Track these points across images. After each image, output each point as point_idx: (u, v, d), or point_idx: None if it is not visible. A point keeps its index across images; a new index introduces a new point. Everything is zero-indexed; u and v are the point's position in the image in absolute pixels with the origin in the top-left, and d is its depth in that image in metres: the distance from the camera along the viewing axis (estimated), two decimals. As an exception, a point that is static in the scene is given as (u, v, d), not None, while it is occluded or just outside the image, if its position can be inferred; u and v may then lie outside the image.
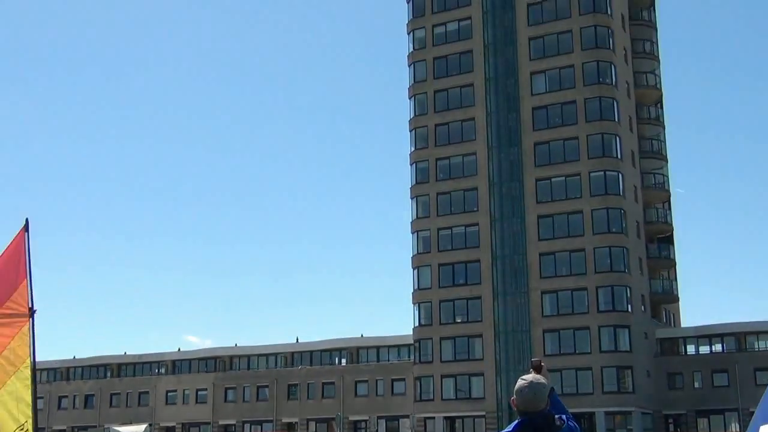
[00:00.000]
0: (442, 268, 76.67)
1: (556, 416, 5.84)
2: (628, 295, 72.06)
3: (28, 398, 9.20)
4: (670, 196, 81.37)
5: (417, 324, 77.35)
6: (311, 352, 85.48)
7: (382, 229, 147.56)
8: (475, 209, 76.27)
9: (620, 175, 73.62)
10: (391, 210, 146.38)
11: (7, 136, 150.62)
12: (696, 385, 72.20)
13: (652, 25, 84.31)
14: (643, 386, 71.27)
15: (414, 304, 77.73)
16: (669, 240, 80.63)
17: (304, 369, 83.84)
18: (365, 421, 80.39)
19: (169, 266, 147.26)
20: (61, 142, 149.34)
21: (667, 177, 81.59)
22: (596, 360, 70.49)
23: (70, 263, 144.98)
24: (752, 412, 8.47)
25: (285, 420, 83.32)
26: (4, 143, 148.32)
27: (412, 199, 79.50)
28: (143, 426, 72.63)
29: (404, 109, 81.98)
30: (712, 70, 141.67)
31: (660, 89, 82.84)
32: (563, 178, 73.99)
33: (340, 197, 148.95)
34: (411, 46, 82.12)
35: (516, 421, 5.84)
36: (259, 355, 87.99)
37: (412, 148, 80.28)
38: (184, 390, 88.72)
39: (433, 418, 74.78)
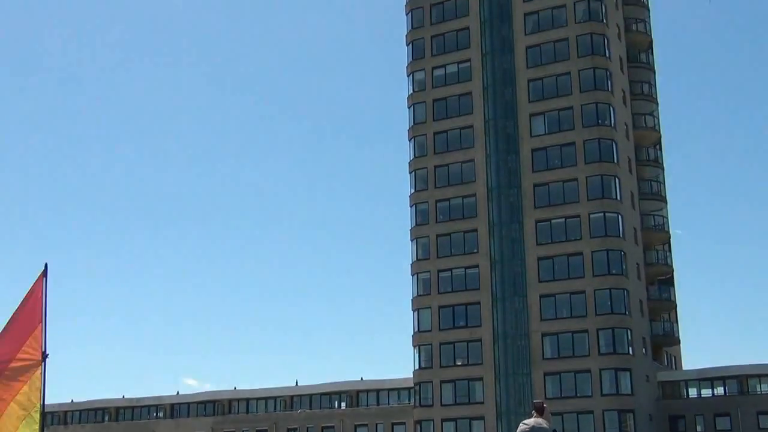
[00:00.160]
0: (442, 310, 76.31)
1: None
2: (629, 337, 71.64)
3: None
4: (669, 237, 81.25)
5: (417, 367, 76.80)
6: (310, 395, 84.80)
7: (381, 271, 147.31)
8: (475, 251, 76.10)
9: (620, 217, 73.57)
10: (391, 252, 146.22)
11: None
12: (698, 428, 71.55)
13: (650, 68, 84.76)
14: (645, 430, 70.57)
15: (414, 346, 77.25)
16: (669, 282, 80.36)
17: (303, 413, 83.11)
18: (365, 465, 79.51)
19: (168, 309, 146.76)
20: (61, 187, 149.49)
21: (667, 219, 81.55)
22: (598, 403, 69.89)
23: (67, 307, 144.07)
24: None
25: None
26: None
27: (412, 240, 79.33)
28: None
29: (404, 151, 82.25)
30: (710, 112, 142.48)
31: (659, 131, 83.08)
32: (563, 219, 73.92)
33: (340, 240, 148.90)
34: (411, 88, 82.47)
35: None
36: (258, 399, 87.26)
37: (412, 190, 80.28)
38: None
39: (434, 462, 73.99)
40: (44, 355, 9.13)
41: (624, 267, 72.74)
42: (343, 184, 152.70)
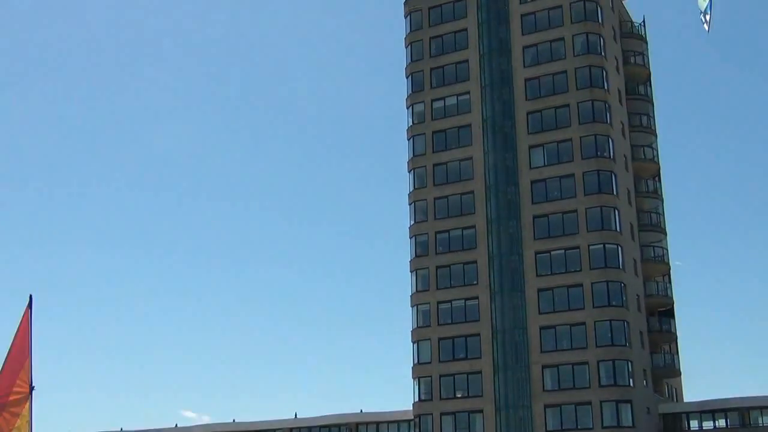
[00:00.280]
0: (442, 342, 76.12)
1: None
2: (630, 369, 71.39)
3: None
4: (669, 269, 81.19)
5: (417, 399, 76.47)
6: (310, 427, 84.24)
7: (381, 302, 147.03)
8: (475, 283, 76.04)
9: (620, 248, 73.59)
10: (390, 284, 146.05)
11: None
12: (700, 461, 71.10)
13: (649, 100, 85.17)
14: (647, 463, 70.18)
15: (414, 378, 76.96)
16: (670, 313, 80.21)
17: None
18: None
19: (166, 340, 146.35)
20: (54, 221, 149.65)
21: (667, 250, 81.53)
22: (599, 436, 69.51)
23: (65, 338, 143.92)
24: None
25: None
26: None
27: (411, 272, 79.28)
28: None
29: (404, 183, 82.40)
30: (708, 144, 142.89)
31: (657, 162, 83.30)
32: (563, 251, 73.93)
33: (340, 271, 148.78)
34: (410, 120, 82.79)
35: None
36: (257, 431, 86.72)
37: (412, 222, 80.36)
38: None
39: (434, 495, 73.46)
40: (31, 389, 9.12)
41: (624, 298, 72.64)
42: (342, 217, 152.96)
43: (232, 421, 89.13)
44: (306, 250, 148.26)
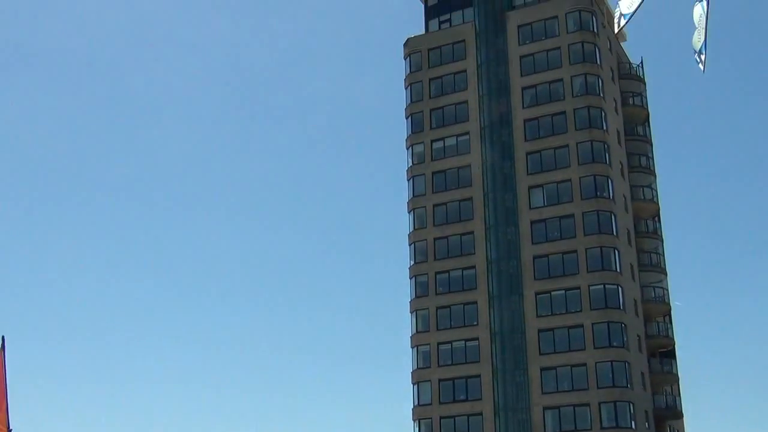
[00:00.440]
0: (443, 383, 75.67)
1: None
2: (632, 410, 70.83)
3: None
4: (670, 309, 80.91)
5: (417, 441, 75.86)
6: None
7: (380, 344, 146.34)
8: (475, 323, 75.75)
9: (620, 289, 73.36)
10: (390, 325, 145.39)
11: None
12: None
13: (648, 140, 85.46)
14: (650, 506, 69.38)
15: (414, 420, 76.37)
16: (671, 354, 79.79)
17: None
18: None
19: (147, 378, 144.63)
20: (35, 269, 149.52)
21: (667, 290, 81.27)
22: (601, 478, 68.84)
23: (42, 377, 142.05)
24: None
25: None
26: None
27: (411, 313, 79.02)
28: None
29: (404, 223, 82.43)
30: (707, 183, 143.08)
31: (657, 203, 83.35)
32: (563, 291, 73.72)
33: (339, 313, 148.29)
34: (410, 160, 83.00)
35: None
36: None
37: (412, 262, 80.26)
38: None
39: None
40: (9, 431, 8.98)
41: (625, 339, 72.29)
42: (342, 258, 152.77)
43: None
44: (305, 291, 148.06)
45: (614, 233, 74.73)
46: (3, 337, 9.22)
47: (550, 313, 73.55)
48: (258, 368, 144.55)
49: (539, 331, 73.33)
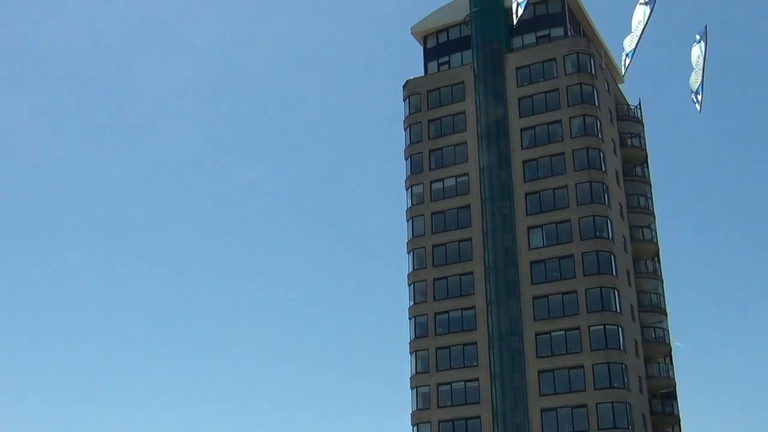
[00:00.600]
0: (443, 424, 75.18)
1: None
2: (633, 452, 70.37)
3: None
4: (671, 350, 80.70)
5: (417, 484, 75.22)
6: None
7: (380, 385, 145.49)
8: (475, 364, 75.44)
9: (620, 329, 73.15)
10: (389, 366, 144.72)
11: None
12: None
13: (646, 181, 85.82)
14: None
15: (414, 462, 75.82)
16: (672, 395, 79.45)
17: None
18: None
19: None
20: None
21: (667, 331, 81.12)
22: None
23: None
24: None
25: None
26: None
27: (411, 354, 78.73)
28: None
29: (403, 264, 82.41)
30: (707, 223, 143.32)
31: (656, 243, 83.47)
32: (563, 332, 73.53)
33: (339, 353, 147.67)
34: (409, 201, 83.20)
35: None
36: None
37: (411, 303, 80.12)
38: None
39: None
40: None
41: (626, 380, 71.98)
42: (340, 298, 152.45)
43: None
44: (305, 333, 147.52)
45: (614, 273, 74.73)
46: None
47: (550, 354, 73.27)
48: (257, 410, 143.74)
49: (539, 372, 73.00)
